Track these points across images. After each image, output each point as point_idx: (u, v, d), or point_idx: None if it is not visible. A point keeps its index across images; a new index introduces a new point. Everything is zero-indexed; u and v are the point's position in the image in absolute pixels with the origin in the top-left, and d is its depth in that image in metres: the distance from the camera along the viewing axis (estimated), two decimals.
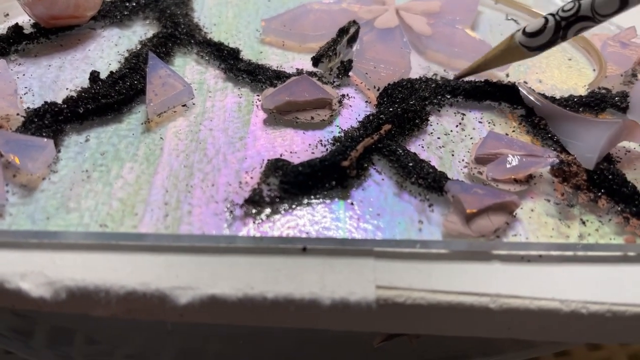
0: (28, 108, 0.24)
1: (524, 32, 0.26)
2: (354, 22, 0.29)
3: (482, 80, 0.28)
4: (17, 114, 0.24)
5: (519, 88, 0.27)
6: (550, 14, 0.25)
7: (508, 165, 0.23)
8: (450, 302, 0.20)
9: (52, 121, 0.23)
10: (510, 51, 0.26)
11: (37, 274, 0.19)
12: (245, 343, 0.26)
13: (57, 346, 0.29)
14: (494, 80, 0.28)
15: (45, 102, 0.24)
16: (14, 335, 0.27)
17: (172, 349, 0.31)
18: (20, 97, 0.25)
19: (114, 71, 0.26)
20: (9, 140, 0.22)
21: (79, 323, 0.29)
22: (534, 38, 0.25)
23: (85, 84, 0.26)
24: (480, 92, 0.27)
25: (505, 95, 0.27)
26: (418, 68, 0.29)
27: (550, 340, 0.25)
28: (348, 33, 0.29)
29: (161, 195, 0.22)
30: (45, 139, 0.22)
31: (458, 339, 0.25)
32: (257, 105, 0.26)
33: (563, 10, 0.24)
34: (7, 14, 0.31)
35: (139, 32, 0.30)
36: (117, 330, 0.30)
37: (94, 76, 0.25)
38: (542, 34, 0.25)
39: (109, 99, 0.24)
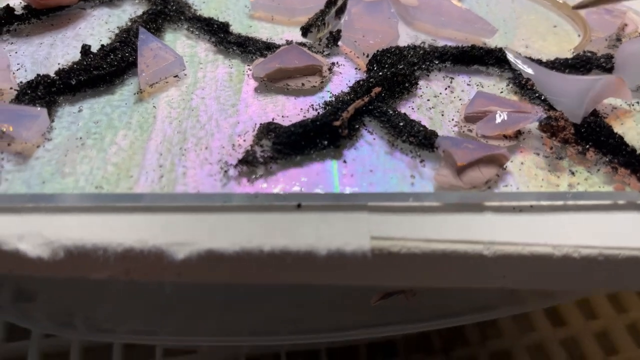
0: (21, 82, 0.25)
1: None
2: None
3: (469, 45, 0.28)
4: (11, 88, 0.24)
5: (506, 52, 0.28)
6: None
7: (497, 122, 0.24)
8: (444, 250, 0.20)
9: (45, 93, 0.24)
10: None
11: (34, 234, 0.19)
12: (243, 309, 0.26)
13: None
14: (480, 45, 0.29)
15: (38, 75, 0.24)
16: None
17: (169, 324, 0.31)
18: (13, 73, 0.25)
19: (105, 45, 0.26)
20: (3, 111, 0.22)
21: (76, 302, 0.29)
22: None
23: (76, 59, 0.26)
24: (468, 57, 0.28)
25: (493, 59, 0.28)
26: (406, 37, 0.30)
27: (544, 288, 0.25)
28: (336, 4, 0.29)
29: (155, 159, 0.22)
30: (39, 108, 0.22)
31: (460, 292, 0.25)
32: (247, 75, 0.27)
33: None
34: None
35: (129, 10, 0.31)
36: (116, 310, 0.30)
37: (85, 49, 0.26)
38: None
39: (100, 71, 0.25)
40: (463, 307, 0.28)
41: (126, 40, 0.26)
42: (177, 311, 0.30)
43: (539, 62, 0.28)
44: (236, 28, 0.29)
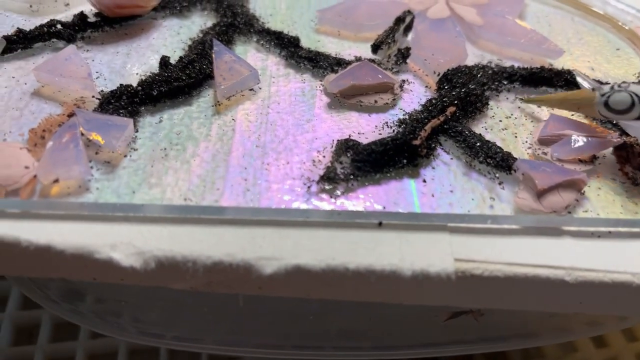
0: (102, 91, 0.25)
1: (606, 104, 0.24)
2: (409, 11, 0.30)
3: (538, 66, 0.28)
4: (93, 96, 0.25)
5: (575, 74, 0.28)
6: (638, 100, 0.23)
7: (573, 146, 0.24)
8: (526, 275, 0.20)
9: (128, 102, 0.24)
10: (586, 105, 0.25)
11: (126, 244, 0.20)
12: (313, 319, 0.26)
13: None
14: (548, 67, 0.29)
15: (121, 85, 0.25)
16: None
17: (217, 330, 0.31)
18: (93, 81, 0.26)
19: (183, 56, 0.27)
20: (90, 120, 0.23)
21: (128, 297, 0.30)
22: (613, 112, 0.24)
23: (152, 69, 0.27)
24: (537, 78, 0.28)
25: (562, 82, 0.28)
26: (472, 56, 0.30)
27: (620, 314, 0.25)
28: (404, 22, 0.29)
29: (238, 173, 0.22)
30: (126, 119, 0.23)
31: (523, 316, 0.25)
32: (320, 90, 0.27)
33: None
34: (68, 4, 0.32)
35: (198, 22, 0.31)
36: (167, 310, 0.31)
37: (165, 61, 0.26)
38: (625, 114, 0.23)
39: (180, 82, 0.25)
40: (512, 331, 0.28)
41: (202, 53, 0.27)
42: (228, 320, 0.30)
43: (607, 84, 0.28)
44: (304, 42, 0.30)
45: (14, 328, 0.37)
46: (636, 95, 0.22)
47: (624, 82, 0.23)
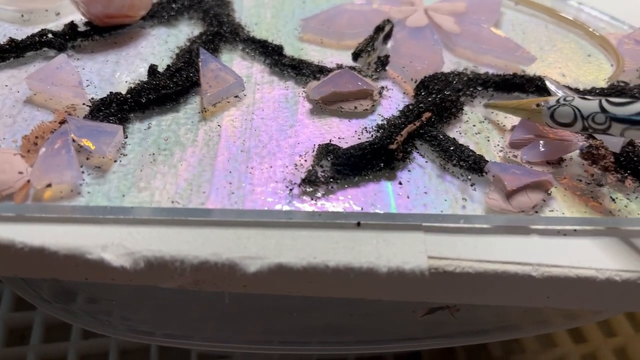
0: (92, 98, 0.26)
1: (552, 117, 0.24)
2: (389, 20, 0.31)
3: (511, 73, 0.30)
4: (83, 104, 0.26)
5: (546, 80, 0.29)
6: (580, 114, 0.23)
7: (541, 149, 0.25)
8: (496, 271, 0.22)
9: (118, 110, 0.25)
10: (535, 116, 0.25)
11: (117, 245, 0.21)
12: (297, 315, 0.27)
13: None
14: (521, 73, 0.30)
15: (111, 92, 0.26)
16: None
17: (210, 327, 0.32)
18: (84, 89, 0.27)
19: (171, 65, 0.28)
20: (82, 126, 0.24)
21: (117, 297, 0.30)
22: (559, 124, 0.24)
23: (141, 77, 0.28)
24: (510, 84, 0.29)
25: (533, 87, 0.29)
26: (449, 63, 0.31)
27: (585, 308, 0.26)
28: (384, 30, 0.31)
29: (224, 177, 0.23)
30: (116, 125, 0.24)
31: (500, 310, 0.27)
32: (302, 97, 0.28)
33: (594, 122, 0.23)
34: (59, 13, 0.33)
35: (185, 30, 0.32)
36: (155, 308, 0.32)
37: (153, 69, 0.27)
38: (569, 127, 0.24)
39: (167, 90, 0.26)
40: (491, 325, 0.29)
41: (189, 61, 0.28)
42: (216, 317, 0.31)
43: (576, 90, 0.29)
44: (288, 50, 0.31)
45: (6, 329, 0.38)
46: (578, 109, 0.23)
47: (569, 96, 0.24)
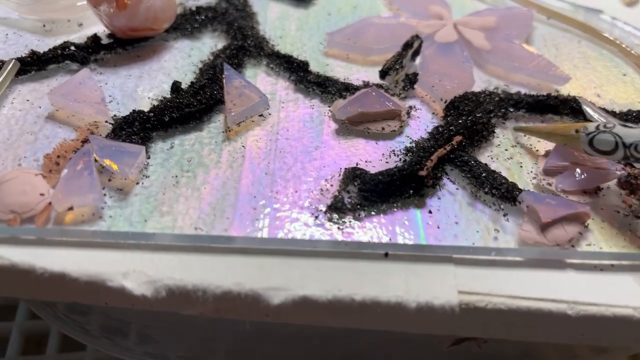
0: (115, 115, 0.26)
1: (590, 144, 0.23)
2: (417, 36, 0.30)
3: (545, 94, 0.29)
4: (106, 121, 0.25)
5: (582, 103, 0.28)
6: (622, 142, 0.22)
7: (577, 178, 0.24)
8: (529, 308, 0.21)
9: (140, 128, 0.25)
10: (571, 142, 0.24)
11: (138, 272, 0.20)
12: (318, 343, 0.27)
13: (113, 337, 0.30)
14: (555, 94, 0.29)
15: (134, 110, 0.25)
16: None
17: (223, 350, 0.32)
18: (106, 106, 0.26)
19: (194, 81, 0.27)
20: (104, 146, 0.23)
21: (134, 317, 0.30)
22: (598, 152, 0.23)
23: (164, 93, 0.27)
24: (543, 105, 0.28)
25: (567, 109, 0.28)
26: (479, 81, 0.30)
27: (620, 345, 0.25)
28: (412, 47, 0.30)
29: (248, 201, 0.23)
30: (138, 146, 0.23)
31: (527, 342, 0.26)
32: (328, 116, 0.27)
33: (636, 151, 0.22)
34: (81, 24, 0.32)
35: (209, 43, 0.32)
36: (171, 330, 0.31)
37: (177, 86, 0.27)
38: (609, 155, 0.23)
39: (191, 108, 0.26)
40: (517, 357, 0.29)
41: (213, 77, 0.27)
42: (230, 340, 0.31)
43: (613, 113, 0.28)
44: (313, 65, 0.30)
45: (22, 338, 0.38)
46: (619, 137, 0.22)
47: (609, 122, 0.23)
